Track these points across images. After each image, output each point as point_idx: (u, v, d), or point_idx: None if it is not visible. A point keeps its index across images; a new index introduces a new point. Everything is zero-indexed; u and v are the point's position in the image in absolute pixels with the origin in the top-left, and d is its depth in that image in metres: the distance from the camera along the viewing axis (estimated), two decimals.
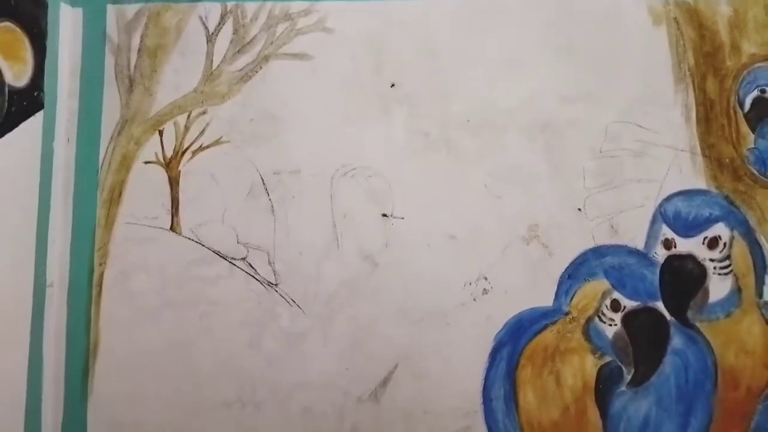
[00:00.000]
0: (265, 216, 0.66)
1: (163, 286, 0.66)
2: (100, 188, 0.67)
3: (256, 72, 0.69)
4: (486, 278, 0.66)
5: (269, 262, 0.66)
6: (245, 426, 0.64)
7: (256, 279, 0.66)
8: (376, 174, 0.67)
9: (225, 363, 0.65)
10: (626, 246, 0.66)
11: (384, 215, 0.67)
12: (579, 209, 0.67)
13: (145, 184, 0.67)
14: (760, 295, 0.66)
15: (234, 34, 0.69)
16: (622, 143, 0.67)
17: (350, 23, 0.68)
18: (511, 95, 0.67)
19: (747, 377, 0.65)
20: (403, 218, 0.66)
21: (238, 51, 0.69)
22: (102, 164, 0.68)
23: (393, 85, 0.68)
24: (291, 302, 0.65)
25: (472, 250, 0.66)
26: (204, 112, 0.69)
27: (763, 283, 0.66)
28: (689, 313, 0.65)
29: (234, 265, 0.66)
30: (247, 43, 0.69)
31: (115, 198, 0.67)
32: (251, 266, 0.66)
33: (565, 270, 0.66)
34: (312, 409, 0.65)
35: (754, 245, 0.66)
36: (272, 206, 0.67)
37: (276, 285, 0.66)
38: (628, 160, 0.67)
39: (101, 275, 0.66)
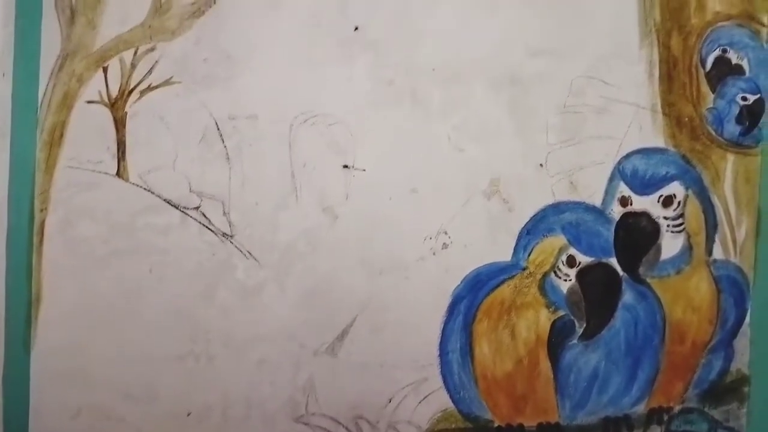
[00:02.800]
0: (219, 163, 0.63)
1: (110, 235, 0.62)
2: (39, 128, 0.63)
3: (210, 6, 0.64)
4: (446, 232, 0.65)
5: (224, 212, 0.63)
6: (198, 378, 0.63)
7: (210, 229, 0.63)
8: (337, 122, 0.64)
9: (177, 315, 0.63)
10: (584, 202, 0.67)
11: (345, 166, 0.65)
12: (540, 165, 0.66)
13: (89, 126, 0.63)
14: (709, 253, 0.68)
15: None
16: (586, 99, 0.66)
17: None
18: (480, 46, 0.65)
19: (693, 332, 0.68)
20: (365, 170, 0.65)
21: None
22: (41, 102, 0.63)
23: (357, 29, 0.65)
24: (247, 254, 0.64)
25: (433, 203, 0.65)
26: (152, 49, 0.64)
27: (713, 241, 0.68)
28: (641, 270, 0.67)
29: (186, 214, 0.63)
30: None
31: (56, 140, 0.63)
32: (205, 216, 0.63)
33: (525, 225, 0.66)
34: (267, 361, 0.64)
35: (707, 204, 0.68)
36: (227, 153, 0.63)
37: (231, 236, 0.63)
38: (590, 116, 0.66)
39: (43, 222, 0.62)
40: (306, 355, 0.64)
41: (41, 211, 0.62)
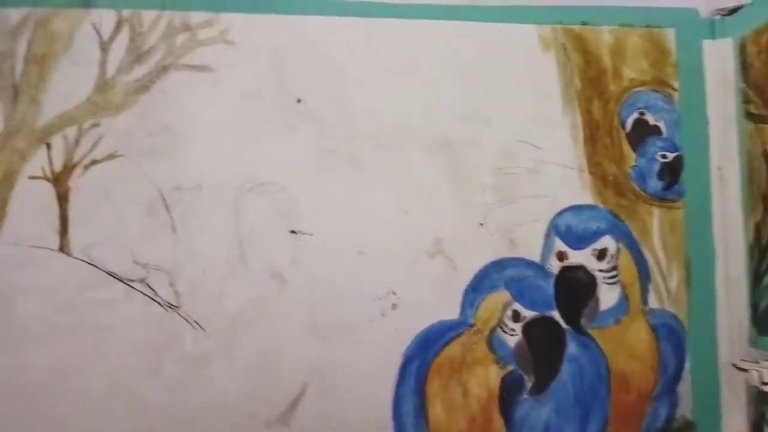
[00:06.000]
0: (165, 234, 0.63)
1: (52, 311, 0.61)
2: None
3: (154, 83, 0.66)
4: (394, 293, 0.66)
5: (170, 283, 0.63)
6: None
7: (156, 301, 0.62)
8: (282, 190, 0.66)
9: (121, 391, 0.61)
10: (524, 258, 0.69)
11: (293, 231, 0.66)
12: (480, 224, 0.69)
13: (31, 202, 0.62)
14: (645, 302, 0.71)
15: (130, 42, 0.66)
16: (517, 161, 0.70)
17: (253, 37, 0.67)
18: (414, 114, 0.69)
19: (636, 380, 0.69)
20: (311, 234, 0.66)
21: (135, 60, 0.66)
22: None
23: (299, 101, 0.67)
24: (194, 324, 0.63)
25: (380, 265, 0.66)
26: (97, 125, 0.65)
27: (647, 291, 0.71)
28: (582, 321, 0.69)
29: (131, 287, 0.62)
30: (145, 53, 0.66)
31: None
32: (150, 288, 0.62)
33: (469, 283, 0.68)
34: None
35: (638, 256, 0.71)
36: (173, 224, 0.64)
37: (177, 307, 0.63)
38: (523, 177, 0.70)
39: None
40: (257, 427, 0.62)
41: None
